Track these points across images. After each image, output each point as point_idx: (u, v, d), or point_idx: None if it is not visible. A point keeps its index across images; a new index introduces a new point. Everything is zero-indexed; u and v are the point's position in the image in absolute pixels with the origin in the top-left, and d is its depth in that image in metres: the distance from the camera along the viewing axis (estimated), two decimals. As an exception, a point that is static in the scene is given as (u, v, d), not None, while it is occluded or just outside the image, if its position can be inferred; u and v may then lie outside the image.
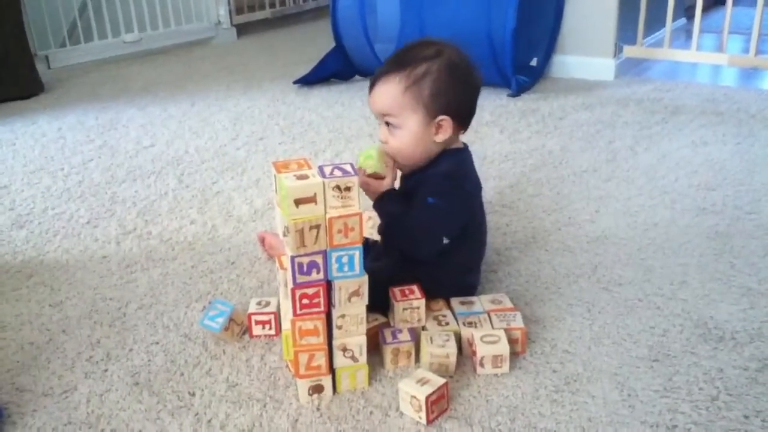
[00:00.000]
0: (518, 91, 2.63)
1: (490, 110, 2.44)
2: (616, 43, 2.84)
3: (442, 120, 1.16)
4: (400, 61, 1.17)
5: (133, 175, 1.99)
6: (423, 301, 1.15)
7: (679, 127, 2.22)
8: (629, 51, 2.91)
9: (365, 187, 1.17)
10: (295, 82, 2.93)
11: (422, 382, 1.00)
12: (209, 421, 1.01)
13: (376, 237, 1.29)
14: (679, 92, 2.62)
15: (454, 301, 1.22)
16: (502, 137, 2.18)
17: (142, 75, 3.28)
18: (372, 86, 1.19)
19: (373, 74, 1.22)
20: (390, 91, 1.16)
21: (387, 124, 1.19)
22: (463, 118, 1.21)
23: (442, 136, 1.18)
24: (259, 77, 3.13)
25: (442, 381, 1.00)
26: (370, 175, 1.17)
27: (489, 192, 1.76)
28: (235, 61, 3.55)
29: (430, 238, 1.17)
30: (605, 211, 1.64)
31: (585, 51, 2.86)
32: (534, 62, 2.90)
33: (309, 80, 2.92)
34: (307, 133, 2.31)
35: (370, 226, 1.43)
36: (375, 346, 1.14)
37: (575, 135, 2.19)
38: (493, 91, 2.64)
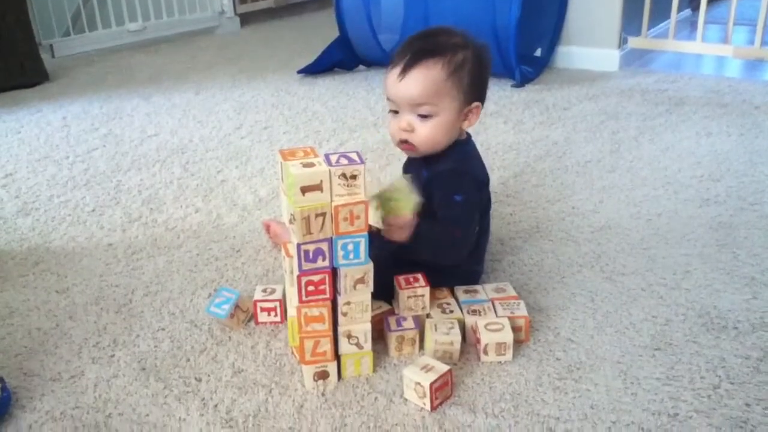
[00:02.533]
0: (522, 81, 2.63)
1: (494, 101, 2.44)
2: (620, 34, 2.83)
3: (475, 107, 1.18)
4: (433, 49, 1.14)
5: (138, 164, 1.99)
6: (428, 289, 1.15)
7: (683, 118, 2.22)
8: (634, 42, 2.91)
9: (389, 232, 1.10)
10: (299, 72, 2.93)
11: (426, 369, 1.00)
12: (215, 406, 1.02)
13: (380, 225, 1.29)
14: (684, 83, 2.61)
15: (458, 290, 1.23)
16: (506, 128, 2.18)
17: (145, 64, 3.28)
18: (404, 72, 1.14)
19: (391, 62, 1.18)
20: (431, 77, 1.13)
21: (418, 114, 1.15)
22: (484, 98, 1.22)
23: (468, 123, 1.20)
24: (263, 67, 3.13)
25: (446, 368, 1.01)
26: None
27: (493, 182, 1.75)
28: (238, 50, 3.55)
29: (470, 234, 1.18)
30: (609, 202, 1.65)
31: (589, 42, 2.86)
32: (538, 53, 2.90)
33: (313, 70, 2.92)
34: (311, 122, 2.31)
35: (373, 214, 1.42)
36: (379, 333, 1.15)
37: (579, 126, 2.19)
38: (497, 81, 2.64)
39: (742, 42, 3.18)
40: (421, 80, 1.13)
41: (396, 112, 1.19)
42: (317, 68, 2.92)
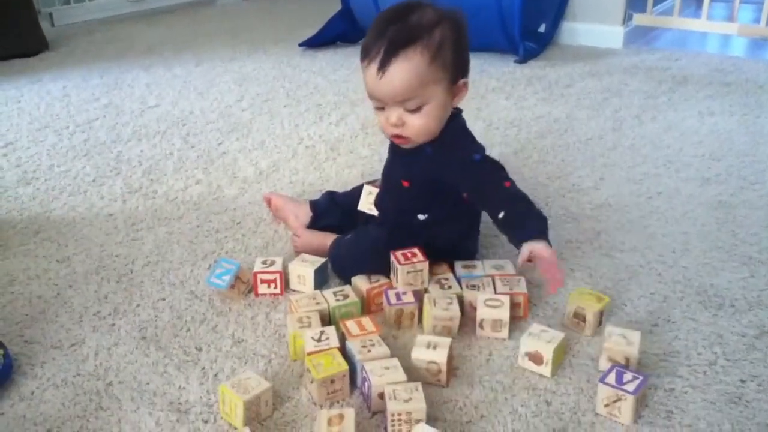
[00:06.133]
0: (525, 57, 2.61)
1: (497, 76, 2.43)
2: (625, 11, 2.80)
3: (463, 83, 1.13)
4: (407, 36, 1.05)
5: (139, 135, 1.99)
6: (426, 264, 1.15)
7: (686, 96, 2.21)
8: (639, 19, 2.88)
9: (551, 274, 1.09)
10: (300, 45, 2.91)
11: (432, 346, 1.01)
12: (215, 375, 1.03)
13: (375, 212, 1.28)
14: (688, 62, 2.60)
15: (458, 265, 1.23)
16: (508, 104, 2.18)
17: (146, 34, 3.25)
18: (383, 69, 1.06)
19: (366, 54, 1.09)
20: (413, 68, 1.05)
21: (405, 109, 1.09)
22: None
23: (459, 99, 1.14)
24: (264, 39, 3.11)
25: (448, 341, 1.02)
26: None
27: (494, 157, 1.75)
28: (240, 22, 3.52)
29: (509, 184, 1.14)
30: (609, 179, 1.65)
31: (594, 18, 2.83)
32: (542, 28, 2.87)
33: (314, 43, 2.90)
34: (312, 95, 2.30)
35: (369, 201, 1.39)
36: (378, 306, 1.16)
37: (582, 103, 2.18)
38: (500, 57, 2.62)
39: (747, 20, 3.15)
40: (403, 74, 1.05)
41: (382, 108, 1.12)
42: (319, 41, 2.90)
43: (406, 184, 1.20)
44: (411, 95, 1.07)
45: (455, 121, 1.17)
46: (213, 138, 1.95)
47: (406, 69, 1.05)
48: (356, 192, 1.34)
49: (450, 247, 1.24)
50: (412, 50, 1.05)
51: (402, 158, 1.21)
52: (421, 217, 1.21)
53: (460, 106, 1.18)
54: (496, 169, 1.15)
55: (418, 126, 1.10)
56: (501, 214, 1.10)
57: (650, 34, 3.03)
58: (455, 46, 1.09)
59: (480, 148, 1.17)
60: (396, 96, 1.08)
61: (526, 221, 1.10)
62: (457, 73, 1.11)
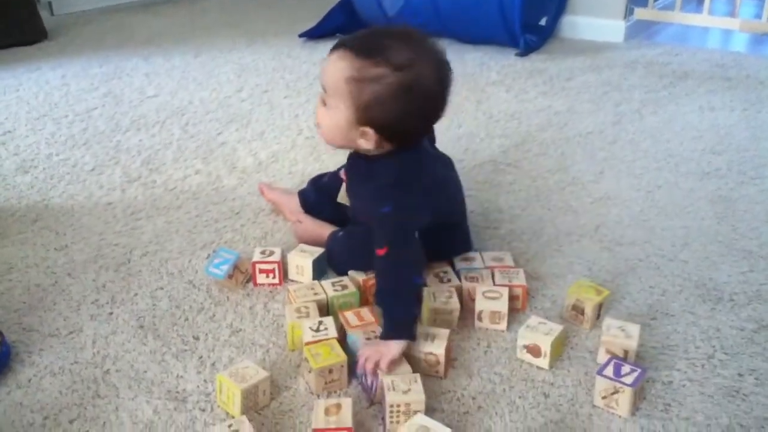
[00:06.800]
0: (526, 50, 2.60)
1: (497, 69, 2.42)
2: (627, 5, 2.79)
3: (364, 130, 1.06)
4: (366, 46, 1.04)
5: (138, 125, 1.98)
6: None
7: (687, 91, 2.21)
8: (640, 13, 2.87)
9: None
10: (300, 36, 2.89)
11: (431, 338, 1.01)
12: (213, 364, 1.03)
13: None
14: (689, 56, 2.59)
15: (456, 258, 1.23)
16: (509, 96, 2.17)
17: (145, 24, 3.24)
18: (330, 53, 1.07)
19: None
20: (336, 69, 1.04)
21: (322, 98, 1.10)
22: (397, 136, 1.07)
23: (365, 144, 1.07)
24: (264, 30, 3.09)
25: (446, 332, 1.02)
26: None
27: (494, 150, 1.76)
28: (239, 13, 3.50)
29: (403, 250, 1.05)
30: (609, 173, 1.65)
31: (595, 12, 2.82)
32: (543, 22, 2.86)
33: (315, 34, 2.88)
34: (312, 87, 2.29)
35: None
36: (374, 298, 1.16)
37: (582, 96, 2.17)
38: (500, 50, 2.61)
39: (749, 15, 3.14)
40: (330, 65, 1.06)
41: None
42: (319, 32, 2.88)
43: (361, 218, 1.20)
44: (325, 87, 1.08)
45: (393, 159, 1.10)
46: (212, 128, 1.95)
47: (333, 63, 1.05)
48: (338, 174, 1.32)
49: (438, 255, 1.21)
50: (351, 57, 1.03)
51: (353, 190, 1.22)
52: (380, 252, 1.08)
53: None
54: (392, 231, 1.06)
55: (322, 122, 1.11)
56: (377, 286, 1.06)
57: (651, 28, 3.02)
58: (379, 99, 1.02)
59: (402, 199, 1.07)
60: (321, 77, 1.09)
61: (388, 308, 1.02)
62: (363, 118, 1.04)
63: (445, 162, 1.25)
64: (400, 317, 1.00)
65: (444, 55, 1.07)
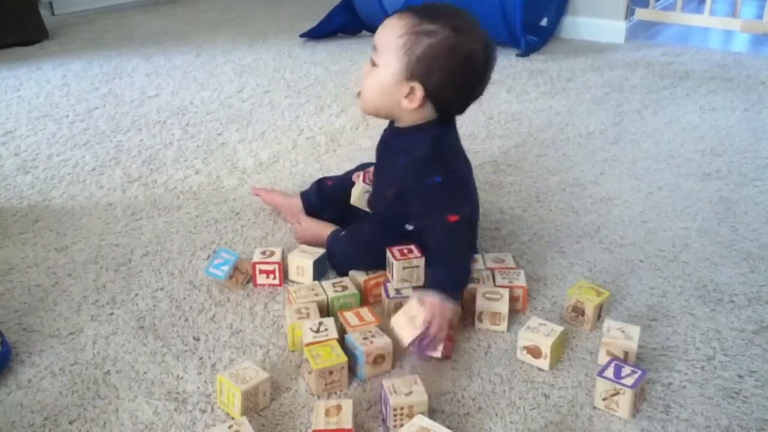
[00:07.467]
0: (527, 51, 2.61)
1: (498, 70, 2.41)
2: (628, 6, 2.79)
3: (413, 85, 1.08)
4: (423, 10, 1.09)
5: (138, 125, 1.98)
6: (422, 260, 1.12)
7: (688, 92, 2.21)
8: (641, 14, 2.87)
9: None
10: (301, 36, 2.89)
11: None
12: (213, 365, 1.03)
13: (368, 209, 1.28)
14: (690, 57, 2.59)
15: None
16: (510, 97, 2.17)
17: (146, 24, 3.24)
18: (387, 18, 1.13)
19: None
20: (393, 26, 1.08)
21: (372, 60, 1.12)
22: (439, 100, 1.11)
23: (408, 104, 1.09)
24: (265, 30, 3.10)
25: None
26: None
27: (495, 151, 1.76)
28: (240, 13, 3.50)
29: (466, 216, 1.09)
30: (610, 174, 1.64)
31: (596, 12, 2.82)
32: (544, 22, 2.86)
33: (315, 34, 2.88)
34: (312, 87, 2.29)
35: (364, 199, 1.32)
36: (375, 298, 1.16)
37: (583, 97, 2.17)
38: (501, 50, 2.61)
39: (750, 16, 3.14)
40: (386, 24, 1.10)
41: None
42: (320, 32, 2.88)
43: (388, 194, 1.18)
44: (376, 44, 1.11)
45: (431, 135, 1.13)
46: (213, 128, 1.95)
47: (391, 22, 1.10)
48: (347, 179, 1.32)
49: None
50: (408, 17, 1.08)
51: (384, 165, 1.22)
52: (409, 227, 1.16)
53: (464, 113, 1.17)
54: (450, 196, 1.09)
55: (365, 86, 1.13)
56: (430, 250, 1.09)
57: (652, 29, 3.02)
58: (431, 53, 1.05)
59: (448, 169, 1.11)
60: (374, 39, 1.12)
61: (438, 268, 1.06)
62: (414, 72, 1.07)
63: (466, 159, 1.25)
64: (459, 278, 1.06)
65: (492, 41, 1.11)
